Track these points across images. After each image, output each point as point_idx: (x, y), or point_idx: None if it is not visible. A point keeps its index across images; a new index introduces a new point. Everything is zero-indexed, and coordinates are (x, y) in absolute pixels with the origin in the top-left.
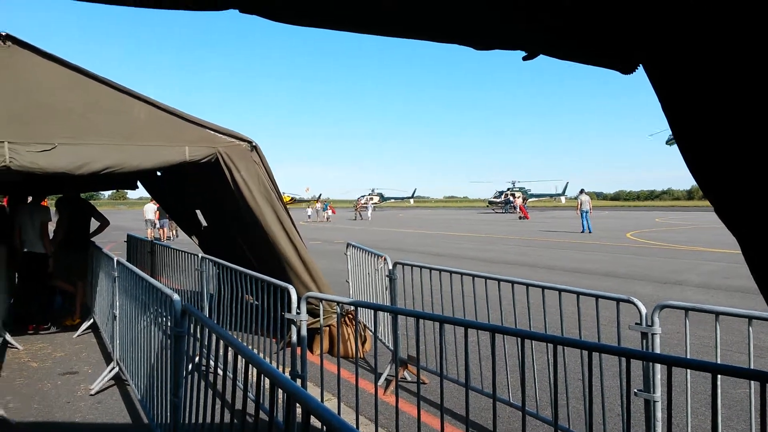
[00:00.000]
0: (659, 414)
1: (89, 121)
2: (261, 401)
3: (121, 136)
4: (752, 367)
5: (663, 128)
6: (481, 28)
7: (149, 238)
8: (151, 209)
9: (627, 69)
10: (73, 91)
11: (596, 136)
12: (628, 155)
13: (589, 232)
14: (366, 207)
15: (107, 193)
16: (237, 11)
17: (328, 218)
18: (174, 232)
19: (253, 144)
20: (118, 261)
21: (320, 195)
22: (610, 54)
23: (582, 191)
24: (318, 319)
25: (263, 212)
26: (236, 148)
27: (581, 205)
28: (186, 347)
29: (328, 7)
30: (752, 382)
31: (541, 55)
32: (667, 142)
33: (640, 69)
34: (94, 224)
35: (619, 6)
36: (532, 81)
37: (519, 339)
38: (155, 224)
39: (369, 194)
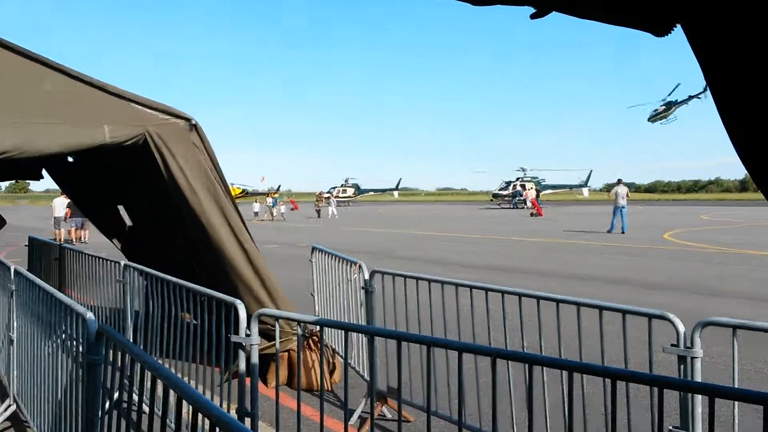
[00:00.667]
0: None
1: None
2: None
3: (22, 112)
4: None
5: (644, 102)
6: None
7: (58, 241)
8: (61, 204)
9: (661, 30)
10: None
11: (624, 115)
12: (666, 138)
13: (622, 232)
14: (329, 201)
15: (4, 185)
16: None
17: (282, 216)
18: (84, 234)
19: (193, 122)
20: (16, 270)
21: (279, 186)
22: (642, 10)
23: (619, 182)
24: (274, 342)
25: (204, 208)
26: (171, 128)
27: (617, 198)
28: (103, 379)
29: None
30: None
31: (553, 13)
32: (649, 119)
33: (677, 30)
34: None
35: None
36: (543, 47)
37: (527, 365)
38: (68, 223)
39: (342, 185)
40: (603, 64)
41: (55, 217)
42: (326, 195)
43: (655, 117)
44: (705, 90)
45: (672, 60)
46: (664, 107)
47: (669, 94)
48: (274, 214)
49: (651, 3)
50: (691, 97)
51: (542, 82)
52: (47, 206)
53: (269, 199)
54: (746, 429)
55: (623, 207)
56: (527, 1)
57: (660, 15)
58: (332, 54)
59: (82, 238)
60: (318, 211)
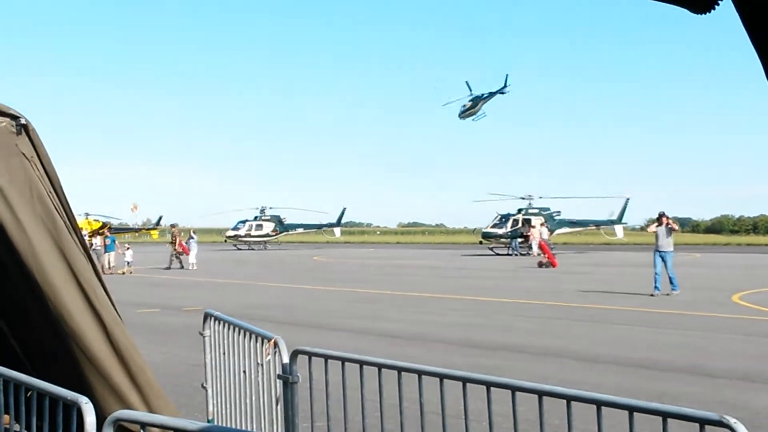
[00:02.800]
0: None
1: None
2: None
3: None
4: None
5: (457, 97)
6: None
7: None
8: None
9: (702, 8)
10: None
11: (678, 127)
12: (737, 158)
13: (673, 290)
14: (190, 240)
15: None
16: None
17: (126, 267)
18: None
19: (23, 122)
20: None
21: (159, 219)
22: None
23: (661, 217)
24: None
25: (37, 253)
26: None
27: (658, 240)
28: None
29: None
30: None
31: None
32: (459, 115)
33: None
34: None
35: None
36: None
37: None
38: None
39: (256, 217)
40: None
41: None
42: (180, 230)
43: (464, 113)
44: (505, 86)
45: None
46: (471, 103)
47: (504, 86)
48: (110, 262)
49: None
50: (492, 94)
51: (561, 77)
52: None
53: (97, 240)
54: None
55: (668, 253)
56: None
57: None
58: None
59: None
60: (177, 256)
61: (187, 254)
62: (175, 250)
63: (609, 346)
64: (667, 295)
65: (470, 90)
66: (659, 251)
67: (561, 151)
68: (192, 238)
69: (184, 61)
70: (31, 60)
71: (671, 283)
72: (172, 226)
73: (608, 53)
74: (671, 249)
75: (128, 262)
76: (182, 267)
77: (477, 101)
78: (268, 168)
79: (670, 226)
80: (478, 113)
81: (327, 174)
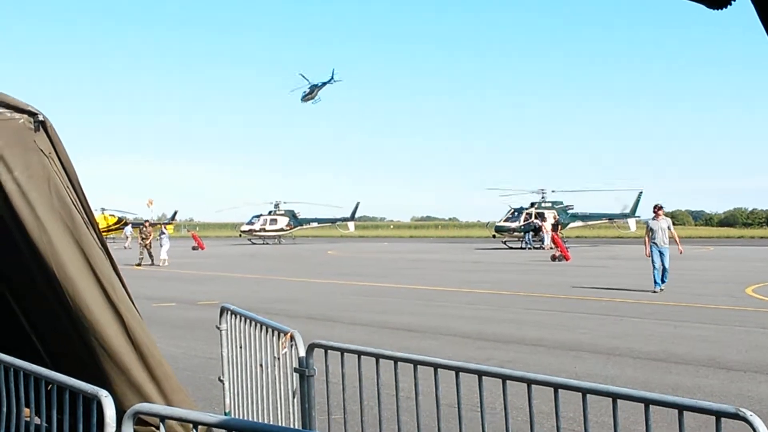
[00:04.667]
0: None
1: None
2: None
3: None
4: None
5: (301, 84)
6: None
7: None
8: None
9: (718, 3)
10: None
11: (691, 119)
12: (751, 150)
13: (660, 286)
14: (161, 236)
15: None
16: None
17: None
18: None
19: (40, 118)
20: None
21: (175, 213)
22: None
23: (657, 210)
24: None
25: (56, 249)
26: (6, 126)
27: (652, 236)
28: None
29: None
30: None
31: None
32: (302, 99)
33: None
34: None
35: None
36: (567, 32)
37: None
38: None
39: (270, 212)
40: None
41: None
42: (154, 224)
43: (305, 98)
44: (332, 77)
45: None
46: (309, 89)
47: (332, 78)
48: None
49: None
50: (324, 83)
51: (568, 69)
52: None
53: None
54: None
55: (664, 248)
56: None
57: None
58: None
59: None
60: (147, 249)
61: (203, 248)
62: (145, 245)
63: (623, 339)
64: (657, 290)
65: (306, 80)
66: (655, 243)
67: (574, 144)
68: (163, 233)
69: (198, 58)
70: (48, 55)
71: (663, 276)
72: (146, 221)
73: (621, 44)
74: (666, 244)
75: (164, 257)
76: (152, 263)
77: (314, 88)
78: (281, 163)
79: (667, 223)
80: (316, 99)
81: (340, 169)
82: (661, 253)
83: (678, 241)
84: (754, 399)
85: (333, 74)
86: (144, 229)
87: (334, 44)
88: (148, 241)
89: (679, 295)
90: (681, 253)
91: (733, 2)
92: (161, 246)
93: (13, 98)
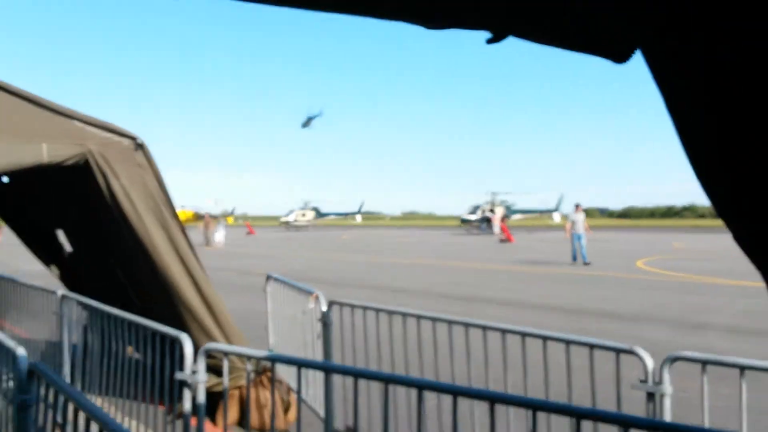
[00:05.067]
0: None
1: None
2: None
3: None
4: None
5: (301, 118)
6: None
7: None
8: None
9: (620, 58)
10: None
11: (598, 139)
12: (640, 163)
13: (584, 263)
14: (219, 226)
15: None
16: None
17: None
18: None
19: (139, 142)
20: None
21: (233, 209)
22: (601, 38)
23: (577, 208)
24: (222, 379)
25: (150, 234)
26: (114, 147)
27: (573, 226)
28: (35, 420)
29: None
30: None
31: (510, 37)
32: (302, 126)
33: (636, 58)
34: None
35: None
36: (516, 69)
37: (488, 403)
38: None
39: (301, 208)
40: (575, 90)
41: None
42: (214, 217)
43: (303, 125)
44: (320, 112)
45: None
46: (306, 120)
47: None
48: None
49: (609, 31)
50: (315, 116)
51: (516, 105)
52: None
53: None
54: None
55: (581, 235)
56: (483, 26)
57: (618, 43)
58: (292, 77)
59: None
60: (208, 237)
61: (254, 233)
62: (205, 229)
63: (548, 297)
64: (584, 264)
65: (309, 113)
66: (574, 233)
67: (517, 160)
68: (221, 223)
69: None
70: (148, 87)
71: (583, 255)
72: (206, 214)
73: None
74: (582, 232)
75: (220, 240)
76: (208, 245)
77: (310, 120)
78: (308, 173)
79: (582, 217)
80: (310, 126)
81: (350, 177)
82: (578, 237)
83: (588, 228)
84: (642, 340)
85: (321, 110)
86: (205, 219)
87: (334, 80)
88: (208, 229)
89: (589, 267)
90: (590, 235)
91: (632, 57)
92: (217, 232)
93: (120, 127)
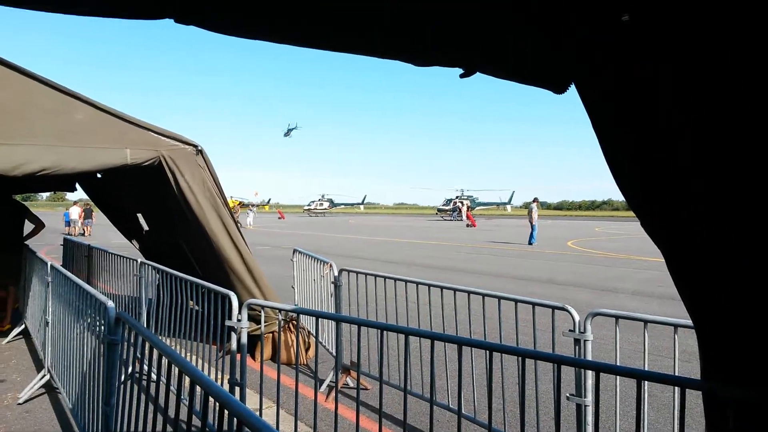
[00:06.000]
0: (590, 418)
1: (25, 120)
2: (195, 409)
3: (59, 137)
4: (678, 372)
5: (284, 128)
6: (423, 46)
7: (73, 235)
8: (74, 211)
9: (560, 90)
10: (7, 89)
11: (541, 148)
12: (571, 167)
13: (529, 243)
14: (248, 211)
15: (45, 195)
16: (172, 21)
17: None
18: (89, 230)
19: (199, 148)
20: (52, 266)
21: (269, 199)
22: (545, 75)
23: (535, 200)
24: (260, 326)
25: (207, 217)
26: (180, 152)
27: (531, 213)
28: (121, 355)
29: (262, 19)
30: (675, 387)
31: (477, 73)
32: (284, 135)
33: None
34: (28, 227)
35: (552, 44)
36: (479, 97)
37: (457, 346)
38: (78, 223)
39: (319, 199)
40: (527, 107)
41: (71, 219)
42: (247, 204)
43: (285, 135)
44: (296, 125)
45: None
46: (287, 130)
47: (295, 127)
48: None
49: (550, 69)
50: (294, 128)
51: (485, 118)
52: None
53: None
54: (628, 395)
55: (536, 221)
56: (456, 65)
57: (558, 78)
58: (318, 98)
59: (86, 233)
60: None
61: (284, 218)
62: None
63: (504, 268)
64: (529, 244)
65: (288, 124)
66: (531, 221)
67: (479, 164)
68: (251, 210)
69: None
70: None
71: (533, 237)
72: (239, 202)
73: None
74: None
75: (249, 223)
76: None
77: (290, 131)
78: (327, 171)
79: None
80: (290, 135)
81: (356, 175)
82: (532, 225)
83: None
84: (574, 300)
85: (297, 123)
86: (234, 207)
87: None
88: (237, 214)
89: (534, 247)
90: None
91: (568, 88)
92: (248, 217)
93: (184, 136)
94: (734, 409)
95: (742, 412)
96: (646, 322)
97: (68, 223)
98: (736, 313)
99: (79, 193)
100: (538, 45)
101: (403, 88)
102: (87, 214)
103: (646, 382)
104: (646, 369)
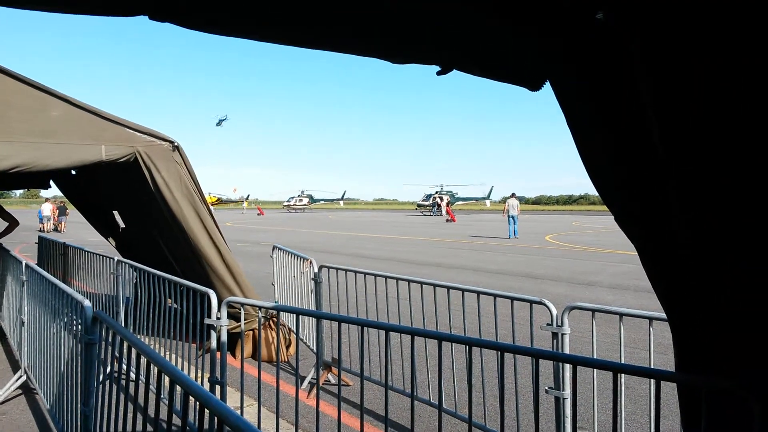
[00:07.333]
0: (568, 411)
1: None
2: (176, 408)
3: (34, 134)
4: (653, 364)
5: (215, 119)
6: (400, 44)
7: (45, 231)
8: (47, 208)
9: (535, 87)
10: None
11: (519, 144)
12: (549, 162)
13: (515, 237)
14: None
15: (19, 192)
16: (146, 17)
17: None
18: (63, 226)
19: (175, 144)
20: (27, 264)
21: (248, 195)
22: (520, 73)
23: (513, 195)
24: (240, 323)
25: (185, 214)
26: (156, 148)
27: (509, 209)
28: (99, 355)
29: (237, 16)
30: (651, 379)
31: (454, 70)
32: (216, 125)
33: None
34: (1, 225)
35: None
36: (456, 92)
37: (438, 341)
38: (50, 220)
39: (298, 195)
40: (507, 102)
41: (43, 216)
42: (225, 200)
43: (217, 125)
44: (226, 117)
45: None
46: (219, 121)
47: (225, 119)
48: None
49: (526, 67)
50: (224, 119)
51: (460, 113)
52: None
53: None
54: (606, 388)
55: (515, 216)
56: (434, 62)
57: (533, 76)
58: (297, 91)
59: (59, 229)
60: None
61: (263, 214)
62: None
63: (483, 262)
64: (509, 238)
65: (218, 115)
66: (510, 215)
67: (460, 160)
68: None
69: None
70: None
71: (515, 232)
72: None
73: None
74: (516, 214)
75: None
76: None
77: (220, 121)
78: (305, 167)
79: (516, 203)
80: (222, 125)
81: (336, 171)
82: (513, 218)
83: (506, 212)
84: (551, 294)
85: (227, 115)
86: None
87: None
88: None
89: (514, 240)
90: (504, 217)
91: (543, 86)
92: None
93: (160, 132)
94: (707, 399)
95: (715, 402)
96: (622, 315)
97: (42, 220)
98: (708, 306)
99: (54, 191)
100: (515, 44)
101: (382, 85)
102: (61, 211)
103: (623, 374)
104: (623, 362)
